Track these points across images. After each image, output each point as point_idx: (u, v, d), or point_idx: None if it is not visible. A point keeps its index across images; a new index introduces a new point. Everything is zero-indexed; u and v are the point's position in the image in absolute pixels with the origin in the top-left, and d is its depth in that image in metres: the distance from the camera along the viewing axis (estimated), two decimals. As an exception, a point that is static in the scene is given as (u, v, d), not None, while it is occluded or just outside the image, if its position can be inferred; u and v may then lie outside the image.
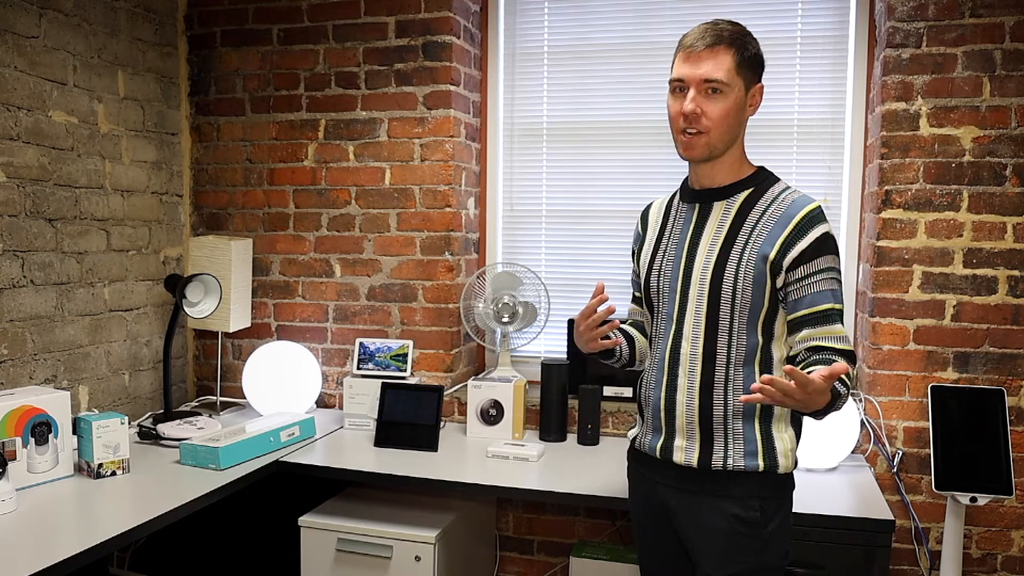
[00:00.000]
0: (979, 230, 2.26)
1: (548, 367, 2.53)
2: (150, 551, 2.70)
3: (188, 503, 1.92)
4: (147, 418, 2.63)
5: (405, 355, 2.65)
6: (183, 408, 2.85)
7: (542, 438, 2.53)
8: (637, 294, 1.85)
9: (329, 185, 2.83)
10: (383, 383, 2.51)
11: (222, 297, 2.61)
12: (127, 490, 2.00)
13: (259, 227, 2.91)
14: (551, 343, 2.83)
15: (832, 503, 2.00)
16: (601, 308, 1.63)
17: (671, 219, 1.73)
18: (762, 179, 1.64)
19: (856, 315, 2.56)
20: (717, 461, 1.59)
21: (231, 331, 2.81)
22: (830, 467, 2.26)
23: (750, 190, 1.63)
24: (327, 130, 2.81)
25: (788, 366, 1.34)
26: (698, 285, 1.61)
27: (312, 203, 2.85)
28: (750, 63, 1.58)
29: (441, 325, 2.76)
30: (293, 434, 2.41)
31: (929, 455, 2.21)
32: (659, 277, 1.68)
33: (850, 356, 1.53)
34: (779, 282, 1.57)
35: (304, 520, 2.30)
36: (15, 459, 1.94)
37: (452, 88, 2.68)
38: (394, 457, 2.32)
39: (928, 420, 2.23)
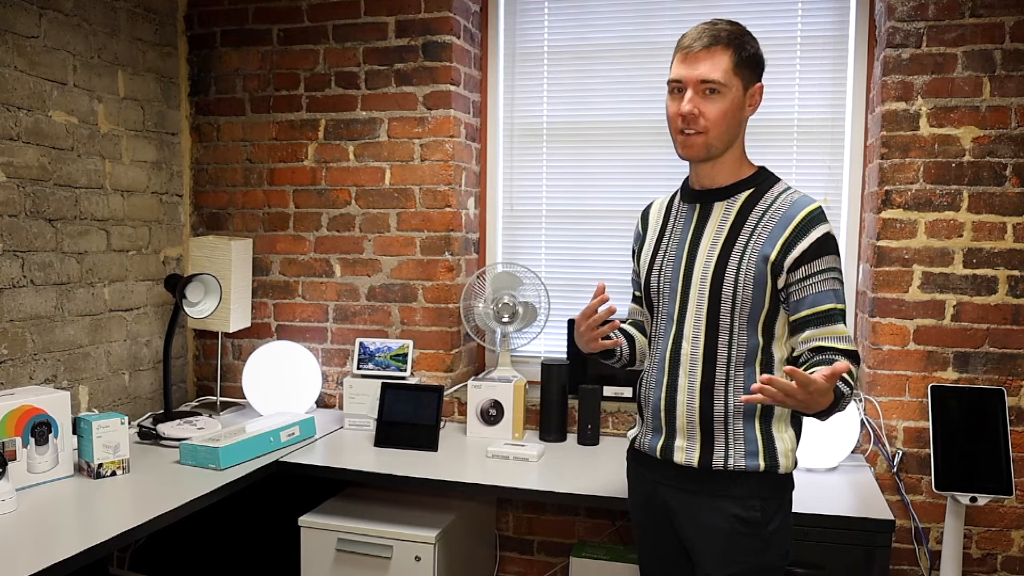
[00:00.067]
0: (979, 230, 2.26)
1: (548, 367, 2.53)
2: (150, 551, 2.70)
3: (188, 503, 1.92)
4: (147, 418, 2.63)
5: (405, 355, 2.65)
6: (183, 408, 2.85)
7: (542, 438, 2.53)
8: (637, 293, 1.85)
9: (329, 185, 2.83)
10: (383, 383, 2.51)
11: (222, 297, 2.61)
12: (127, 490, 2.00)
13: (259, 227, 2.91)
14: (551, 343, 2.83)
15: (832, 503, 2.00)
16: (602, 308, 1.63)
17: (671, 219, 1.73)
18: (763, 179, 1.64)
19: (856, 315, 2.56)
20: (718, 461, 1.59)
21: (231, 331, 2.81)
22: (830, 467, 2.26)
23: (751, 190, 1.63)
24: (327, 130, 2.81)
25: (788, 366, 1.34)
26: (699, 285, 1.61)
27: (312, 203, 2.85)
28: (748, 63, 1.58)
29: (441, 325, 2.76)
30: (293, 434, 2.41)
31: (929, 455, 2.21)
32: (659, 277, 1.68)
33: (853, 356, 1.53)
34: (780, 283, 1.57)
35: (304, 520, 2.30)
36: (15, 459, 1.94)
37: (452, 88, 2.68)
38: (394, 457, 2.32)
39: (928, 420, 2.23)
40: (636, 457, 1.77)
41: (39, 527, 1.74)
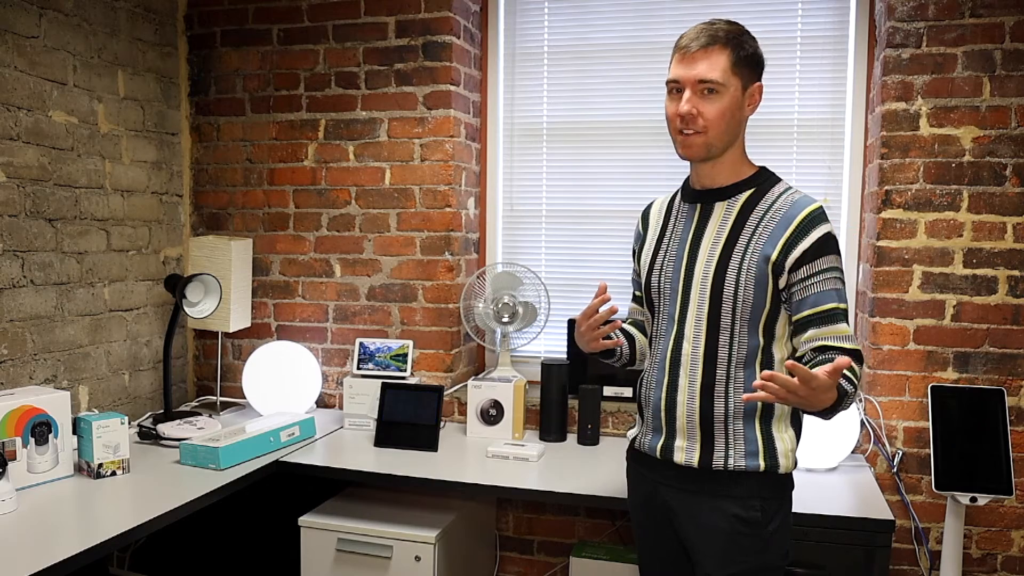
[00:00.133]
0: (979, 230, 2.26)
1: (548, 367, 2.53)
2: (150, 551, 2.70)
3: (188, 503, 1.92)
4: (147, 418, 2.63)
5: (405, 355, 2.65)
6: (183, 408, 2.85)
7: (542, 438, 2.53)
8: (637, 293, 1.85)
9: (329, 185, 2.83)
10: (383, 383, 2.51)
11: (222, 297, 2.61)
12: (127, 490, 2.00)
13: (259, 227, 2.91)
14: (551, 343, 2.83)
15: (832, 503, 2.00)
16: (603, 308, 1.63)
17: (672, 219, 1.73)
18: (763, 179, 1.64)
19: (856, 315, 2.56)
20: (718, 461, 1.59)
21: (231, 331, 2.80)
22: (830, 467, 2.26)
23: (751, 190, 1.63)
24: (327, 130, 2.81)
25: (789, 361, 1.34)
26: (699, 286, 1.61)
27: (312, 203, 2.85)
28: (747, 62, 1.57)
29: (441, 325, 2.76)
30: (293, 434, 2.41)
31: (929, 455, 2.21)
32: (660, 277, 1.68)
33: (857, 355, 1.52)
34: (781, 283, 1.57)
35: (304, 520, 2.30)
36: (15, 459, 1.94)
37: (452, 88, 2.68)
38: (394, 457, 2.32)
39: (928, 420, 2.23)
40: (636, 457, 1.76)
41: (39, 527, 1.74)
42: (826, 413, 1.45)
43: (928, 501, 2.34)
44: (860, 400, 2.38)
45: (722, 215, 1.63)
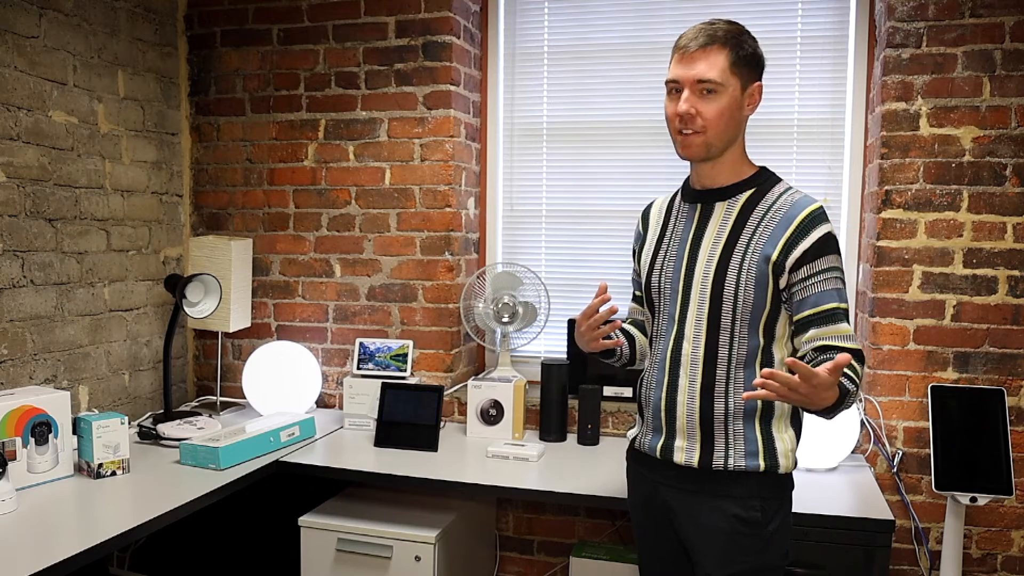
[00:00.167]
0: (979, 230, 2.26)
1: (548, 367, 2.53)
2: (150, 551, 2.70)
3: (188, 503, 1.92)
4: (147, 418, 2.63)
5: (405, 355, 2.65)
6: (183, 408, 2.85)
7: (542, 438, 2.53)
8: (638, 293, 1.85)
9: (329, 185, 2.83)
10: (383, 383, 2.51)
11: (222, 297, 2.61)
12: (127, 490, 2.00)
13: (259, 227, 2.91)
14: (551, 343, 2.83)
15: (832, 503, 2.00)
16: (603, 308, 1.63)
17: (672, 219, 1.73)
18: (764, 179, 1.64)
19: (856, 315, 2.56)
20: (718, 461, 1.59)
21: (231, 331, 2.80)
22: (830, 467, 2.26)
23: (752, 191, 1.63)
24: (327, 130, 2.81)
25: (790, 358, 1.33)
26: (700, 286, 1.61)
27: (312, 203, 2.85)
28: (746, 62, 1.57)
29: (441, 325, 2.76)
30: (293, 434, 2.41)
31: (929, 455, 2.21)
32: (660, 277, 1.68)
33: (858, 355, 1.52)
34: (782, 283, 1.57)
35: (304, 520, 2.30)
36: (15, 459, 1.94)
37: (452, 88, 2.68)
38: (394, 457, 2.32)
39: (928, 420, 2.23)
40: (636, 457, 1.76)
41: (39, 527, 1.74)
42: (828, 412, 1.44)
43: (928, 501, 2.34)
44: (860, 400, 2.38)
45: (722, 215, 1.63)
